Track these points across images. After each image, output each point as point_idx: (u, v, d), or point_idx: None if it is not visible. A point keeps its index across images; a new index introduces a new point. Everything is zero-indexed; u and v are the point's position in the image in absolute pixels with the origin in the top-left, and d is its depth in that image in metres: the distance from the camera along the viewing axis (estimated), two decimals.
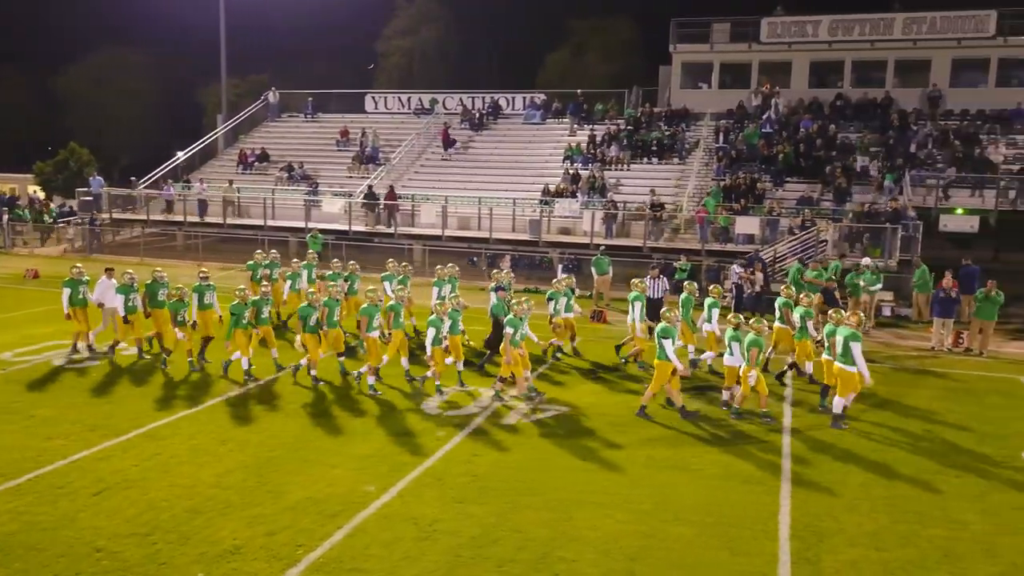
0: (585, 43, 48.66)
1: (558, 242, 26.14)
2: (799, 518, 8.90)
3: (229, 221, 29.85)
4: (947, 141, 27.66)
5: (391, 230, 27.80)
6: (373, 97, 38.68)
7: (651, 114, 32.83)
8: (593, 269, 21.78)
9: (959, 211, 25.42)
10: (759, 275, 19.96)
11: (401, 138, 34.42)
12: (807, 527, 8.69)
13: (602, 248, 22.31)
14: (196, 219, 30.42)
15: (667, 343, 11.79)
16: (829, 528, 8.68)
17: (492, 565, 7.74)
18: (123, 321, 14.56)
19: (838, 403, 11.85)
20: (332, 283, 15.23)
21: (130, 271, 15.02)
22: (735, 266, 20.96)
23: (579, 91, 35.08)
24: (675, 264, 21.43)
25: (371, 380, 13.09)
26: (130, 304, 14.47)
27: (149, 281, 14.73)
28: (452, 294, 15.08)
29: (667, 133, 31.05)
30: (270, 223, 29.01)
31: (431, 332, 12.75)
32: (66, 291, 14.79)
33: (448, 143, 33.32)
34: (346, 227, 28.14)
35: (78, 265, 15.56)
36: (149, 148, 51.26)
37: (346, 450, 10.62)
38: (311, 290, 14.29)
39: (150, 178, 33.50)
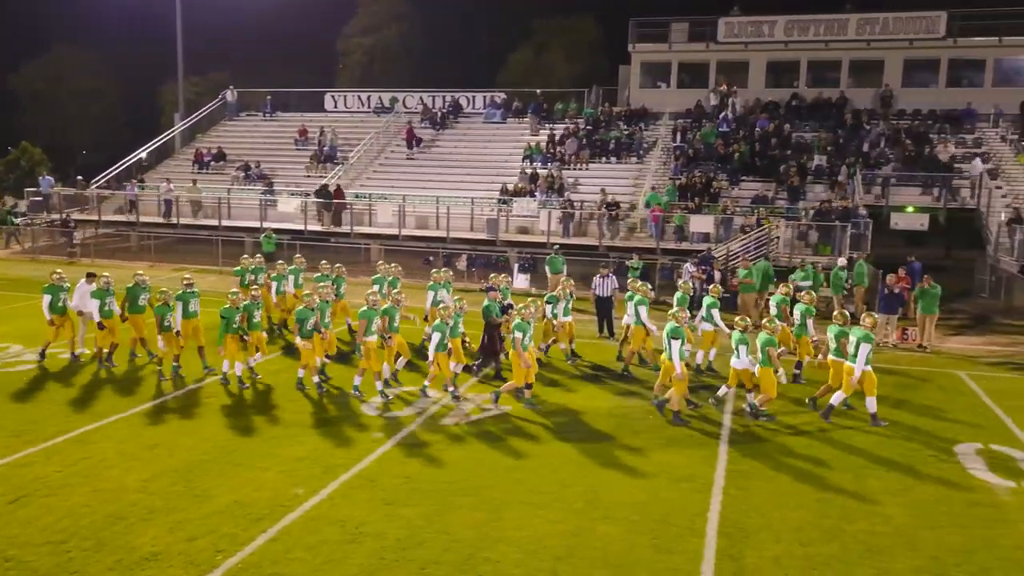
0: (548, 42, 48.72)
1: (515, 241, 26.09)
2: (728, 515, 8.95)
3: (184, 221, 29.36)
4: (898, 140, 28.08)
5: (348, 230, 27.54)
6: (333, 96, 38.37)
7: (610, 113, 32.92)
8: (547, 268, 21.76)
9: (909, 209, 25.84)
10: (717, 273, 20.15)
11: (361, 137, 34.17)
12: (735, 524, 8.73)
13: (556, 247, 22.28)
14: (151, 220, 29.92)
15: (675, 344, 11.66)
16: (756, 525, 8.72)
17: (416, 567, 7.67)
18: (98, 327, 13.94)
19: (870, 403, 11.96)
20: (322, 285, 14.71)
21: (107, 275, 14.46)
22: (688, 265, 21.11)
23: (539, 91, 35.09)
24: (627, 263, 21.49)
25: (379, 385, 12.73)
26: (106, 309, 13.86)
27: (131, 284, 14.19)
28: (395, 291, 14.86)
29: (625, 132, 31.15)
30: (225, 223, 28.60)
31: (436, 337, 12.40)
32: (46, 298, 14.13)
33: (412, 142, 33.10)
34: (301, 227, 27.78)
35: (58, 271, 14.80)
36: (108, 147, 50.37)
37: (279, 453, 10.48)
38: (306, 292, 13.70)
39: (102, 178, 32.89)
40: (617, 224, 25.56)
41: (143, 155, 35.09)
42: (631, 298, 14.37)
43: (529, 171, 29.39)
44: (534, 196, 27.82)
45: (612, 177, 29.55)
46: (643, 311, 14.08)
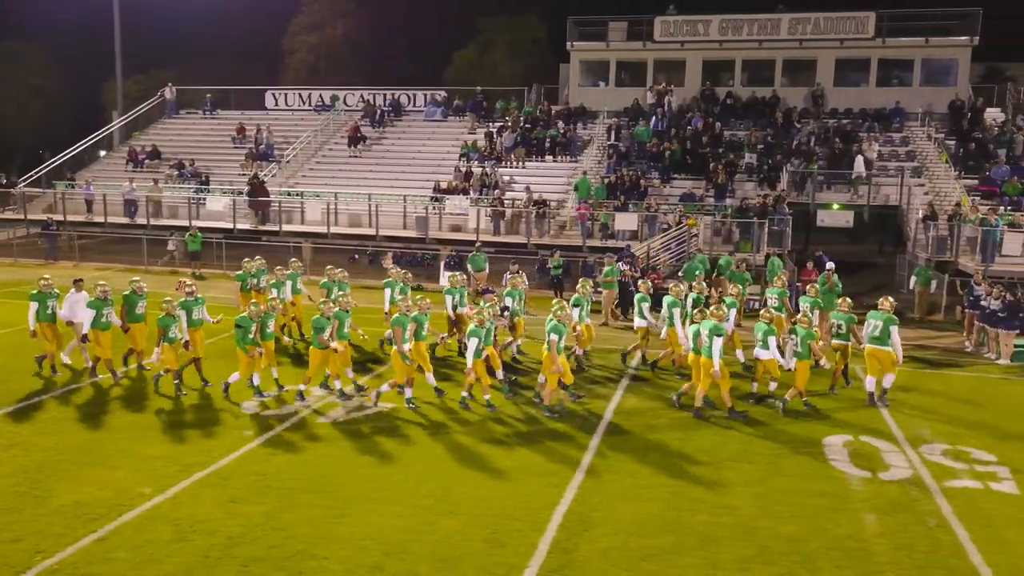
0: (493, 40, 48.68)
1: (445, 239, 26.00)
2: (575, 508, 8.96)
3: (113, 220, 28.93)
4: (827, 138, 28.43)
5: (276, 227, 27.30)
6: (273, 94, 37.97)
7: (549, 112, 32.95)
8: (469, 266, 21.71)
9: (835, 206, 26.18)
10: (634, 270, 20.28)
11: (301, 135, 33.84)
12: (580, 517, 8.75)
13: (478, 245, 22.26)
14: (79, 219, 29.44)
15: (718, 341, 11.73)
16: (600, 518, 8.74)
17: (236, 564, 7.58)
18: (82, 339, 13.23)
19: (888, 379, 12.85)
20: (341, 293, 13.91)
21: (102, 283, 13.53)
22: (620, 264, 21.16)
23: (479, 88, 35.03)
24: (548, 260, 21.54)
25: (408, 393, 12.24)
26: (103, 320, 12.98)
27: (127, 292, 13.46)
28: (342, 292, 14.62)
29: (561, 131, 31.19)
30: (153, 222, 28.21)
31: (473, 343, 11.90)
32: (33, 306, 13.26)
33: (355, 140, 32.85)
34: (230, 225, 27.48)
35: (46, 277, 13.81)
36: (50, 146, 49.31)
37: (137, 451, 10.32)
38: (322, 301, 13.10)
39: (29, 177, 32.25)
40: (544, 222, 25.57)
41: (75, 152, 34.36)
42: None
43: (464, 169, 29.31)
44: (467, 194, 27.75)
45: (547, 175, 29.60)
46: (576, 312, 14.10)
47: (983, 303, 16.76)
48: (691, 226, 22.08)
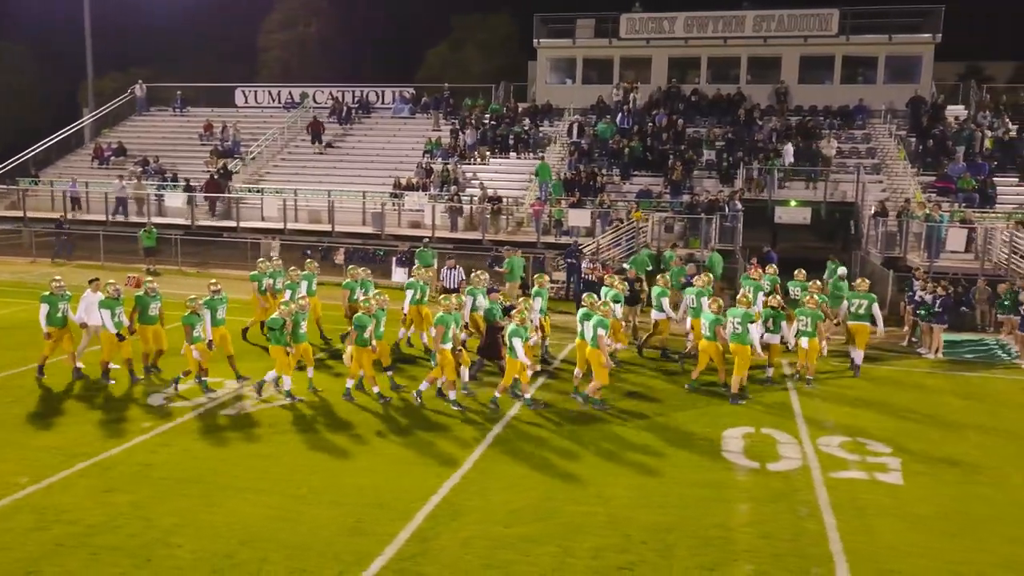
0: (465, 38, 48.66)
1: (403, 235, 25.98)
2: (451, 498, 8.96)
3: (71, 217, 28.94)
4: (789, 135, 28.43)
5: (235, 224, 27.29)
6: (244, 91, 37.93)
7: (515, 109, 32.94)
8: (417, 261, 21.69)
9: (792, 203, 26.21)
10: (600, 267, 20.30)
11: (269, 132, 33.81)
12: (452, 506, 8.75)
13: (426, 241, 22.27)
14: (42, 215, 29.43)
15: (753, 328, 12.69)
16: (472, 507, 8.74)
17: (87, 552, 7.59)
18: (117, 339, 12.73)
19: (858, 355, 14.39)
20: (377, 292, 13.43)
21: (112, 281, 13.28)
22: (585, 262, 21.15)
23: (446, 86, 35.02)
24: (502, 258, 21.51)
25: (452, 395, 12.05)
26: (116, 320, 12.68)
27: (139, 294, 13.11)
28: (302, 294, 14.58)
29: (525, 128, 31.18)
30: (112, 218, 28.21)
31: (518, 343, 11.72)
32: (44, 308, 12.78)
33: (317, 136, 32.85)
34: (188, 221, 27.49)
35: (58, 278, 13.35)
36: (28, 145, 49.25)
37: (28, 443, 10.31)
38: (363, 299, 12.89)
39: None
40: (500, 218, 25.59)
41: (41, 149, 34.34)
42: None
43: (424, 166, 29.30)
44: (426, 191, 27.73)
45: (510, 172, 29.60)
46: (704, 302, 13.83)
47: (917, 298, 16.76)
48: (637, 220, 22.06)
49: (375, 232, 26.15)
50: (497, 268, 19.49)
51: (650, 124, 29.64)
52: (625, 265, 19.73)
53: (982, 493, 9.39)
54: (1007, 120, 28.15)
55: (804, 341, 13.55)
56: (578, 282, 20.05)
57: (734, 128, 29.22)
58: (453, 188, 27.07)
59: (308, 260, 17.31)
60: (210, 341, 12.70)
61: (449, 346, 11.89)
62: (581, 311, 12.61)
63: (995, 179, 25.50)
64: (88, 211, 29.80)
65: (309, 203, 28.19)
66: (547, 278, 15.23)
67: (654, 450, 10.56)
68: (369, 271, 16.18)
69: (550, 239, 24.56)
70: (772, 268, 16.77)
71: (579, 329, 12.61)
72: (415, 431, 11.11)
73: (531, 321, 12.77)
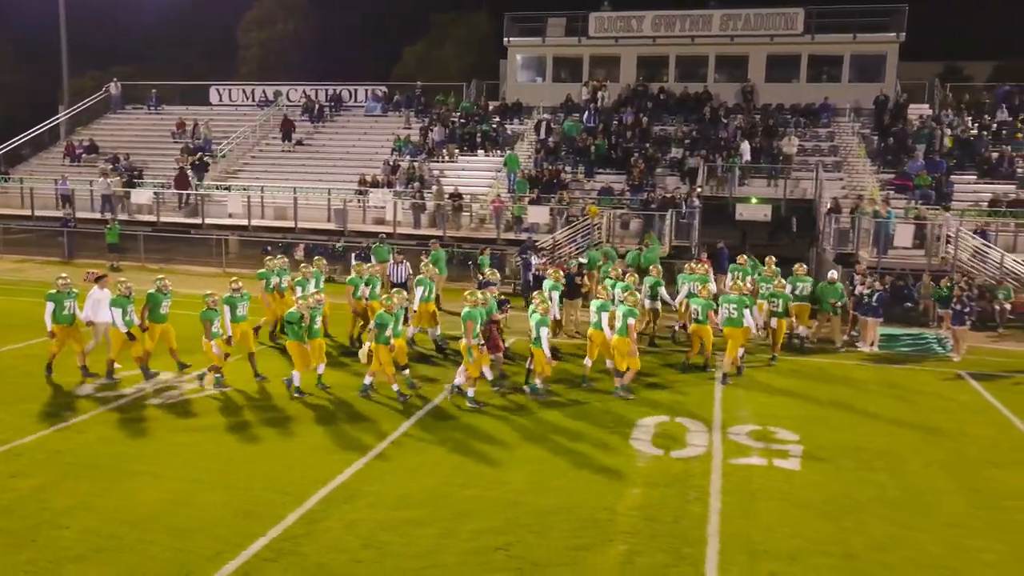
0: (442, 36, 48.84)
1: (366, 231, 26.14)
2: (349, 483, 9.14)
3: (42, 213, 29.06)
4: (753, 133, 28.64)
5: (199, 220, 27.45)
6: (218, 89, 38.03)
7: (486, 107, 33.11)
8: (373, 257, 21.86)
9: (753, 200, 26.40)
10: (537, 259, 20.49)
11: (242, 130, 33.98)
12: (348, 491, 8.93)
13: (382, 236, 22.46)
14: (9, 212, 29.56)
15: (747, 312, 13.69)
16: (369, 491, 8.93)
17: None
18: (128, 337, 12.61)
19: (803, 330, 16.07)
20: (396, 289, 13.35)
21: (123, 279, 13.19)
22: (535, 258, 21.32)
23: (418, 84, 35.19)
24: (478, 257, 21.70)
25: (470, 392, 12.04)
26: (127, 318, 12.55)
27: (152, 291, 12.91)
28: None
29: (493, 126, 31.35)
30: (78, 215, 28.32)
31: (544, 332, 12.02)
32: (49, 306, 12.57)
33: (288, 134, 33.00)
34: (154, 218, 27.65)
35: (64, 275, 13.16)
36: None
37: None
38: (385, 297, 12.70)
39: None
40: (462, 215, 25.77)
41: (13, 146, 34.48)
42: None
43: (391, 163, 29.45)
44: (391, 188, 27.89)
45: (477, 170, 29.76)
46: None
47: (856, 293, 16.97)
48: (592, 216, 22.24)
49: (338, 229, 26.29)
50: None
51: (615, 122, 29.82)
52: (582, 259, 19.92)
53: (875, 479, 9.58)
54: (967, 119, 28.38)
55: (774, 321, 15.01)
56: (526, 277, 20.27)
57: (699, 126, 29.42)
58: (415, 185, 27.22)
59: (317, 258, 17.15)
60: (229, 337, 12.64)
61: (478, 342, 11.95)
62: (596, 302, 12.98)
63: (954, 177, 25.75)
64: (58, 208, 29.89)
65: (276, 200, 28.32)
66: (497, 274, 15.62)
67: (564, 438, 10.74)
68: (376, 267, 16.30)
69: (511, 236, 24.77)
70: (743, 259, 17.64)
71: (593, 319, 12.89)
72: (337, 420, 11.29)
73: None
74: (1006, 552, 7.81)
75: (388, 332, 11.88)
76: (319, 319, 12.45)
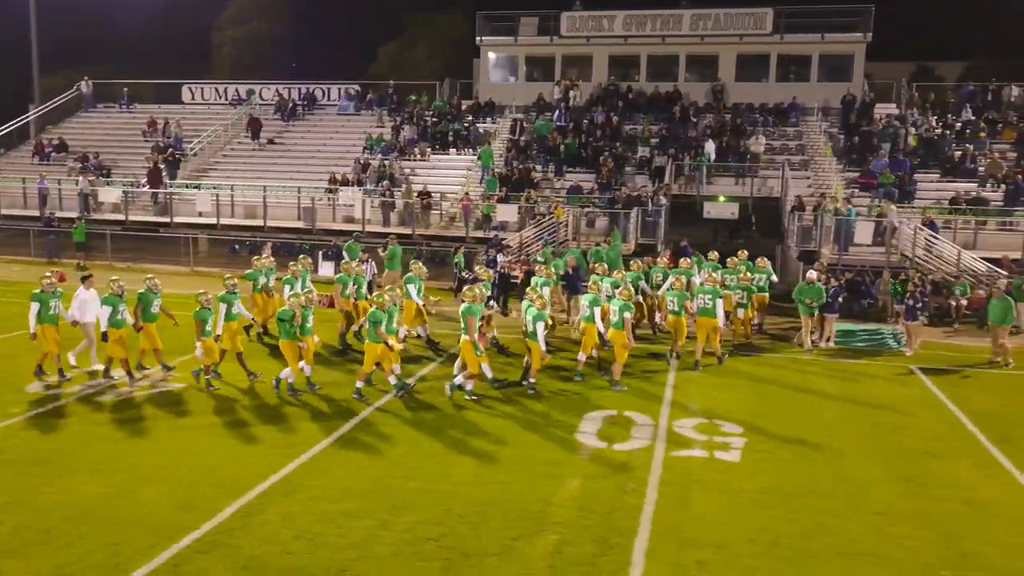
0: (416, 36, 48.86)
1: (335, 230, 26.16)
2: (292, 477, 9.20)
3: (6, 212, 28.88)
4: (722, 132, 28.88)
5: (168, 219, 27.36)
6: (190, 88, 37.89)
7: (458, 106, 33.17)
8: (346, 254, 21.87)
9: (721, 198, 26.63)
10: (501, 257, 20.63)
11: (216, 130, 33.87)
12: (289, 484, 8.99)
13: (356, 235, 22.48)
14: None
15: (720, 302, 14.22)
16: (310, 485, 8.99)
17: None
18: (101, 338, 12.56)
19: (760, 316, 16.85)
20: (389, 288, 13.39)
21: (115, 277, 13.03)
22: (499, 256, 21.43)
23: (391, 82, 35.21)
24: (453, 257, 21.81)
25: (469, 386, 12.27)
26: (118, 318, 12.36)
27: (142, 291, 12.84)
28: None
29: (465, 125, 31.43)
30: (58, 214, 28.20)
31: (540, 327, 12.26)
32: (34, 306, 12.36)
33: (255, 132, 32.93)
34: (123, 216, 27.54)
35: (49, 275, 13.09)
36: None
37: None
38: (377, 294, 12.63)
39: None
40: (430, 214, 25.83)
41: None
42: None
43: (362, 161, 29.46)
44: (361, 186, 27.90)
45: (449, 168, 29.83)
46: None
47: None
48: (558, 216, 22.38)
49: (307, 227, 26.29)
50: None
51: (586, 121, 29.98)
52: (539, 258, 20.05)
53: (812, 470, 9.75)
54: (932, 119, 28.76)
55: (740, 312, 16.03)
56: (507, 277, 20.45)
57: (669, 125, 29.63)
58: (385, 183, 27.25)
59: (302, 256, 17.12)
60: (217, 335, 12.58)
61: (467, 337, 12.04)
62: (588, 296, 13.43)
63: (918, 175, 26.11)
64: (25, 207, 29.69)
65: (246, 198, 28.25)
66: (421, 267, 15.73)
67: (512, 431, 10.85)
68: (363, 267, 16.31)
69: (480, 234, 24.86)
70: (714, 254, 17.98)
71: (585, 313, 13.29)
72: (289, 417, 11.34)
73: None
74: (929, 538, 7.98)
75: (382, 329, 11.89)
76: (311, 317, 12.48)
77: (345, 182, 28.26)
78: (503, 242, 22.03)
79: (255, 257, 16.71)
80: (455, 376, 12.39)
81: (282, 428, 10.84)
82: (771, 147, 28.62)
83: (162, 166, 29.96)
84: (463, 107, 33.20)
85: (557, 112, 30.92)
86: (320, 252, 24.07)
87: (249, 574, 7.12)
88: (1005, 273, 18.93)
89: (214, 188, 28.73)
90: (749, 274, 16.55)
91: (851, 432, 11.18)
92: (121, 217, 27.92)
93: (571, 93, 31.89)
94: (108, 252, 25.93)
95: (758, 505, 8.70)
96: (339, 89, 35.95)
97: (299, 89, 36.00)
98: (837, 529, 8.15)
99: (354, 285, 15.24)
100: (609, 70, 33.21)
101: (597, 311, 13.12)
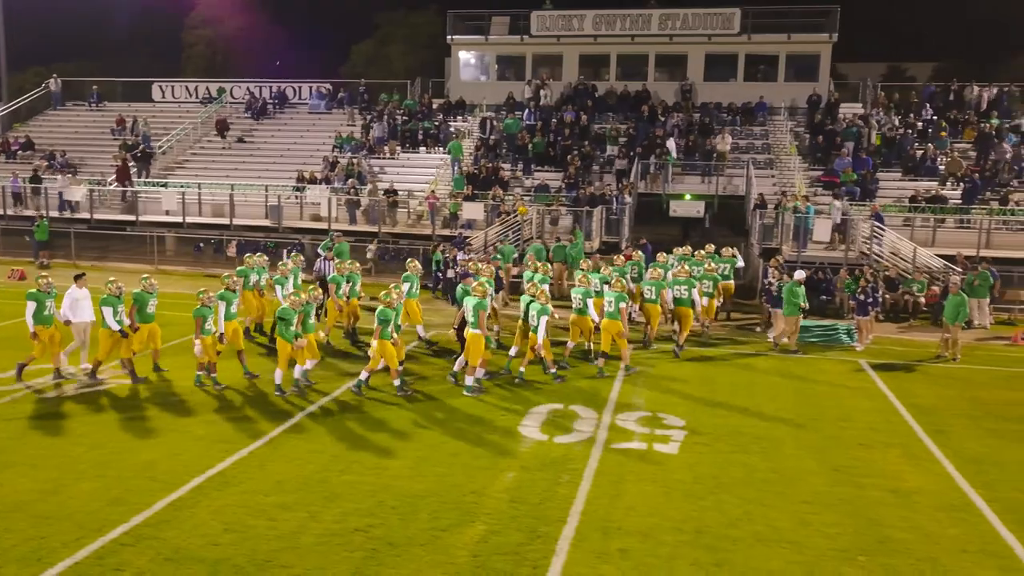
0: (390, 35, 48.83)
1: (303, 228, 26.13)
2: (228, 471, 9.23)
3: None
4: (690, 131, 29.09)
5: (134, 217, 27.22)
6: (160, 86, 37.69)
7: (429, 105, 33.20)
8: (320, 252, 21.89)
9: (687, 197, 26.86)
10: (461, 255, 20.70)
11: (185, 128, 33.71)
12: (224, 478, 9.02)
13: (337, 234, 22.42)
14: None
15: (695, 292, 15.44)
16: (245, 478, 9.03)
17: None
18: (121, 335, 12.38)
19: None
20: (395, 285, 13.10)
21: (113, 278, 12.92)
22: (460, 254, 21.48)
23: (362, 81, 35.19)
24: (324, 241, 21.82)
25: (469, 380, 12.52)
26: (118, 318, 12.37)
27: (137, 291, 12.67)
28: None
29: (435, 123, 31.47)
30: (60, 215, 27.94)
31: (544, 321, 12.59)
32: (31, 305, 12.27)
33: (222, 131, 32.83)
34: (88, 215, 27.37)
35: (45, 274, 13.01)
36: None
37: None
38: (384, 292, 12.41)
39: None
40: (396, 211, 25.88)
41: None
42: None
43: (330, 160, 29.44)
44: (328, 184, 27.88)
45: (419, 167, 29.87)
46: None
47: (768, 286, 17.39)
48: (522, 214, 22.49)
49: (273, 225, 26.24)
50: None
51: (554, 120, 30.11)
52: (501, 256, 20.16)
53: (746, 461, 9.89)
54: (894, 118, 29.12)
55: (705, 300, 16.46)
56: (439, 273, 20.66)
57: (637, 124, 29.81)
58: (350, 181, 27.23)
59: (293, 254, 17.04)
60: (221, 334, 12.61)
61: (480, 331, 12.27)
62: (580, 289, 14.02)
63: (880, 174, 26.45)
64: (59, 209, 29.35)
65: (214, 196, 28.14)
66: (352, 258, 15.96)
67: (457, 424, 10.95)
68: (359, 265, 16.32)
69: (447, 232, 24.91)
70: (685, 248, 18.77)
71: (578, 305, 13.93)
72: (235, 411, 11.38)
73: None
74: (850, 526, 8.14)
75: (391, 328, 12.01)
76: (312, 314, 12.50)
77: (313, 180, 28.23)
78: (466, 239, 22.09)
79: (247, 255, 16.84)
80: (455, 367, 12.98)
81: (226, 423, 10.87)
82: (738, 146, 28.88)
83: (132, 163, 29.79)
84: (434, 106, 33.25)
85: (527, 111, 31.03)
86: (285, 250, 24.02)
87: (173, 565, 7.15)
88: (960, 270, 19.26)
89: (181, 187, 28.60)
90: (713, 263, 17.21)
91: (791, 424, 11.35)
92: (86, 216, 27.68)
93: (542, 92, 32.01)
94: (72, 250, 25.76)
95: (689, 495, 8.83)
96: (310, 88, 35.90)
97: (270, 88, 35.93)
98: (762, 517, 8.30)
99: (348, 283, 15.34)
100: (579, 69, 33.36)
101: (591, 302, 13.92)
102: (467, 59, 34.72)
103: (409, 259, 16.56)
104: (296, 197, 27.51)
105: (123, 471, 9.14)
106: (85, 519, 7.94)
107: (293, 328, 11.95)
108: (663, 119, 30.18)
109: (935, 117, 29.04)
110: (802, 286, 15.77)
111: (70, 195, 27.92)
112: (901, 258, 20.66)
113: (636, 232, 24.20)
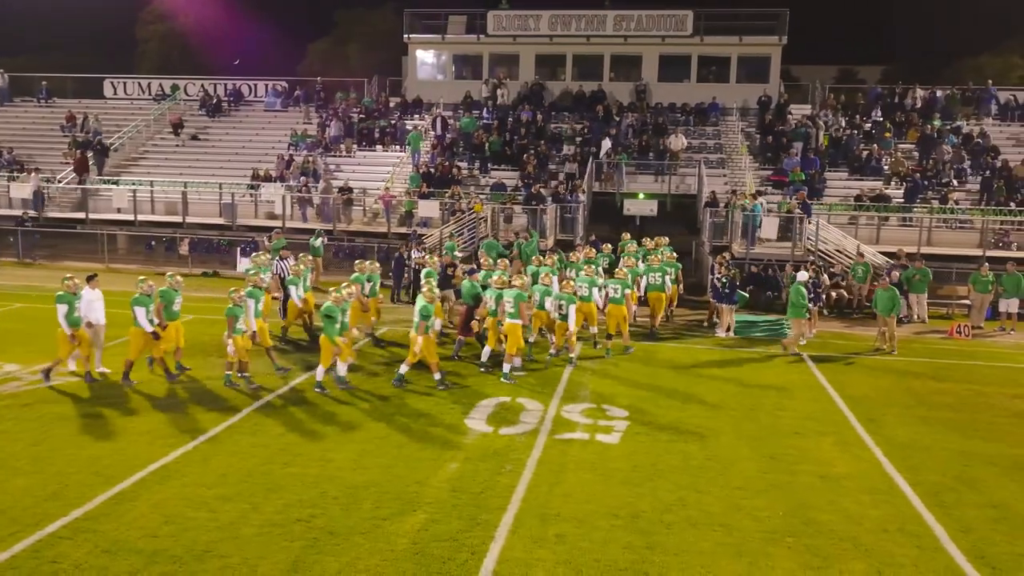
0: (348, 33, 48.63)
1: (257, 226, 25.96)
2: (171, 466, 9.26)
3: None
4: (644, 132, 29.51)
5: (83, 215, 26.81)
6: (112, 82, 37.10)
7: (386, 103, 33.19)
8: (312, 255, 21.79)
9: (640, 196, 27.22)
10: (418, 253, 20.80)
11: (138, 125, 33.21)
12: (167, 472, 9.05)
13: (319, 232, 22.44)
14: None
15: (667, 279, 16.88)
16: (188, 471, 9.06)
17: None
18: (153, 337, 12.25)
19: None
20: (371, 283, 13.52)
21: (143, 277, 12.71)
22: (415, 251, 21.54)
23: (319, 79, 35.04)
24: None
25: (506, 368, 13.14)
26: (149, 317, 12.21)
27: (164, 288, 12.56)
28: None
29: (392, 122, 31.48)
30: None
31: (572, 310, 13.61)
32: (61, 308, 12.10)
33: (176, 128, 32.45)
34: (36, 213, 26.85)
35: (71, 275, 12.62)
36: None
37: None
38: (424, 289, 12.66)
39: None
40: (351, 209, 25.87)
41: None
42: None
43: (286, 157, 29.29)
44: (283, 181, 27.74)
45: (374, 165, 29.85)
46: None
47: (714, 281, 17.79)
48: (477, 212, 22.65)
49: (227, 223, 26.04)
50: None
51: (511, 120, 30.32)
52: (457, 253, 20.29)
53: (684, 450, 10.17)
54: (842, 119, 29.88)
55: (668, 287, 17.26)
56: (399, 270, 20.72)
57: (592, 124, 30.15)
58: (303, 179, 27.13)
59: (302, 255, 16.75)
60: (254, 333, 12.52)
61: (520, 321, 13.11)
62: (586, 279, 14.81)
63: (828, 173, 27.13)
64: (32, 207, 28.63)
65: (167, 194, 27.82)
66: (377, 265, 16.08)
67: (405, 417, 11.07)
68: (377, 264, 16.23)
69: (403, 230, 24.96)
70: (648, 241, 19.58)
71: (584, 293, 14.61)
72: (184, 406, 11.38)
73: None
74: (779, 509, 8.45)
75: (438, 326, 12.99)
76: (348, 312, 12.52)
77: (268, 178, 28.06)
78: (420, 237, 22.18)
79: (254, 254, 17.00)
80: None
81: (173, 418, 10.86)
82: (691, 146, 29.36)
83: (89, 156, 29.31)
84: (391, 104, 33.24)
85: (484, 110, 31.18)
86: (239, 248, 23.91)
87: (110, 557, 7.17)
88: (899, 264, 19.90)
89: (132, 184, 28.22)
90: (659, 257, 17.72)
91: (730, 415, 11.68)
92: (34, 213, 27.17)
93: (499, 91, 32.19)
94: (19, 249, 25.29)
95: (626, 483, 9.07)
96: (266, 85, 35.61)
97: (225, 85, 35.57)
98: (696, 503, 8.57)
99: (369, 283, 15.44)
100: (536, 69, 33.61)
101: (596, 291, 14.78)
102: (424, 58, 34.76)
103: (358, 260, 16.62)
104: (251, 195, 27.35)
105: (64, 466, 9.10)
106: (22, 514, 7.91)
107: (338, 325, 11.96)
108: (618, 119, 30.57)
109: (881, 119, 29.83)
110: (805, 286, 15.79)
111: (19, 191, 27.36)
112: (846, 255, 21.26)
113: (590, 230, 24.49)
